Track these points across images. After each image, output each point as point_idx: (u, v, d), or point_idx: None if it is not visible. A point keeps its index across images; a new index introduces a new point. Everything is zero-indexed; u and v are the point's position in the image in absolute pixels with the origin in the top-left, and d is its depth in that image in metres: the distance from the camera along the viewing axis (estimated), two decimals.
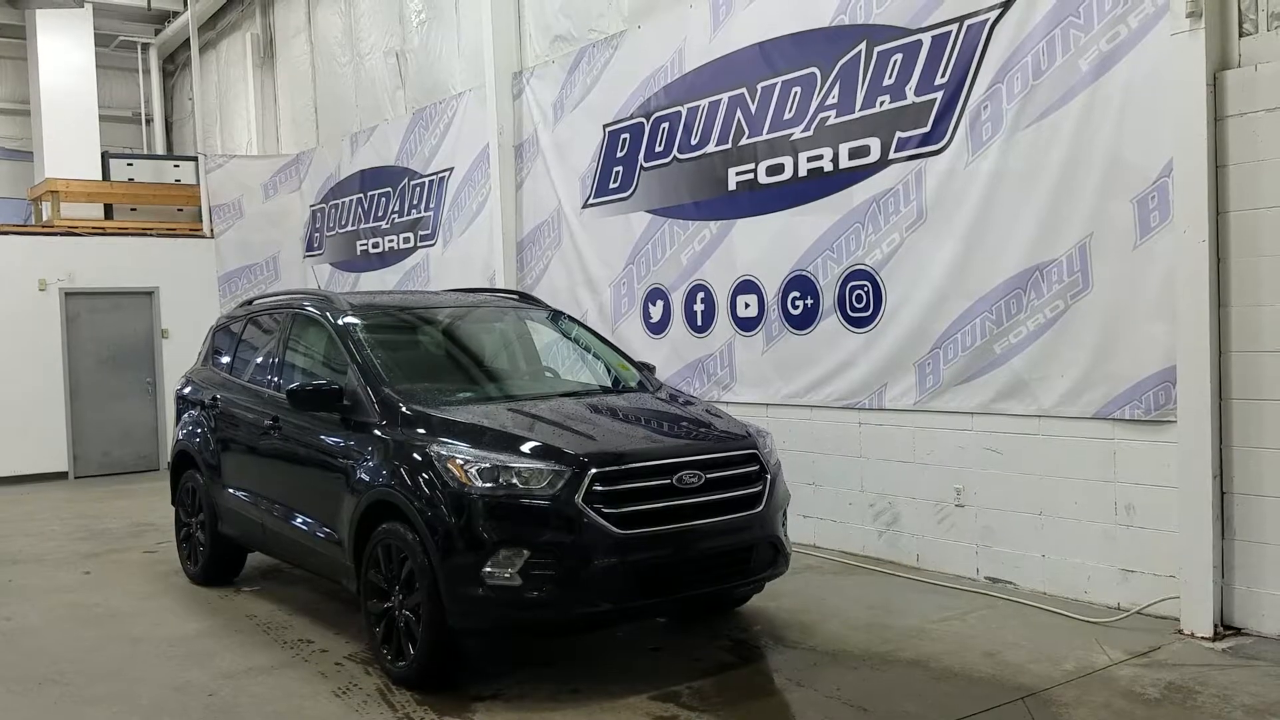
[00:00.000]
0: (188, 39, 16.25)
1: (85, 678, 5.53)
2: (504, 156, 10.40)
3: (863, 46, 7.16)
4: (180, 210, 15.11)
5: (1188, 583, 5.59)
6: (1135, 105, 5.80)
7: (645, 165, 8.94)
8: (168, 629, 6.38)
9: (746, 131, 8.02)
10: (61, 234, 13.49)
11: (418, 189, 12.01)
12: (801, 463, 7.61)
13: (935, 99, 6.75)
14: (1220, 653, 5.30)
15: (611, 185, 9.31)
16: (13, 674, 5.61)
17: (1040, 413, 6.37)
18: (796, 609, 6.29)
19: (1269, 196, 5.32)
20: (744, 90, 8.03)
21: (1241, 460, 5.47)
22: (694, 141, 8.46)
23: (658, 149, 8.81)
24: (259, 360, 7.10)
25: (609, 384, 6.62)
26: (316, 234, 14.12)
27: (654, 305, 9.02)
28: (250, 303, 7.90)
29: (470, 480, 4.94)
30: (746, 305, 8.17)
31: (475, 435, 5.23)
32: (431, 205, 11.75)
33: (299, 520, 6.22)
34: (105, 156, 15.36)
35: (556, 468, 4.95)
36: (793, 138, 7.66)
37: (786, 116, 7.70)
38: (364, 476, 5.50)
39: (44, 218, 14.65)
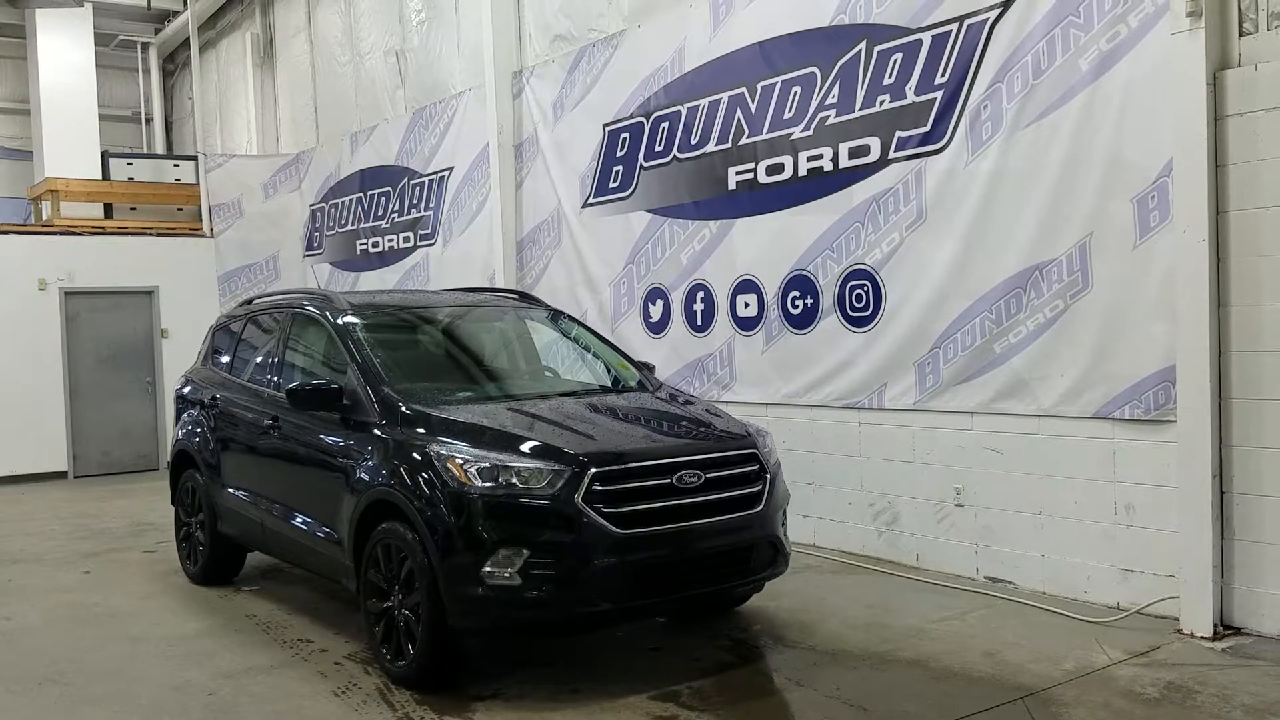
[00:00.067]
0: (187, 38, 16.24)
1: (85, 677, 5.53)
2: (504, 156, 10.40)
3: (862, 46, 7.16)
4: (180, 210, 15.11)
5: (1187, 582, 5.59)
6: (1135, 105, 5.80)
7: (645, 165, 8.94)
8: (167, 628, 6.38)
9: (746, 131, 8.01)
10: (61, 233, 13.49)
11: (417, 188, 12.01)
12: (801, 462, 7.61)
13: (935, 98, 6.75)
14: (1220, 652, 5.30)
15: (611, 185, 9.31)
16: (12, 674, 5.61)
17: (1040, 412, 6.37)
18: (796, 608, 6.29)
19: (1269, 196, 5.32)
20: (744, 90, 8.03)
21: (1241, 460, 5.47)
22: (694, 141, 8.46)
23: (657, 148, 8.81)
24: (259, 360, 7.10)
25: (609, 383, 6.62)
26: (316, 233, 14.12)
27: (654, 305, 9.02)
28: (250, 302, 7.90)
29: (470, 480, 4.94)
30: (746, 305, 8.17)
31: (475, 435, 5.23)
32: (431, 205, 11.75)
33: (299, 520, 6.22)
34: (105, 156, 15.37)
35: (556, 467, 4.95)
36: (792, 137, 7.66)
37: (786, 116, 7.70)
38: (364, 476, 5.50)
39: (44, 217, 14.65)
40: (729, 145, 8.15)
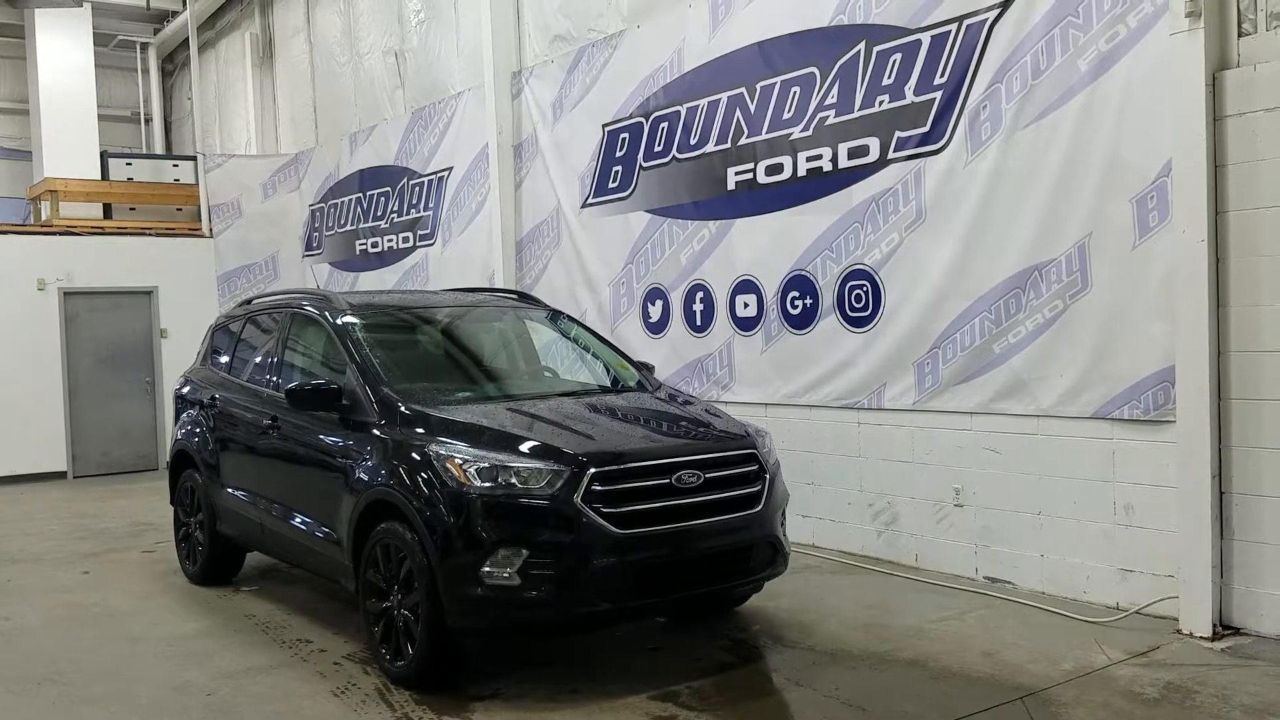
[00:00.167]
0: (187, 38, 16.26)
1: (84, 677, 5.52)
2: (503, 156, 10.40)
3: (862, 46, 7.17)
4: (179, 210, 15.11)
5: (1186, 582, 5.59)
6: (1134, 105, 5.80)
7: (644, 165, 8.94)
8: (166, 629, 6.38)
9: (745, 131, 8.02)
10: (60, 233, 13.49)
11: (417, 188, 12.01)
12: (800, 462, 7.61)
13: (934, 99, 6.75)
14: (1219, 652, 5.31)
15: (610, 185, 9.31)
16: (11, 674, 5.61)
17: (1039, 412, 6.37)
18: (795, 609, 6.29)
19: (1268, 196, 5.32)
20: (743, 90, 8.03)
21: (1240, 460, 5.47)
22: (693, 141, 8.46)
23: (657, 149, 8.81)
24: (258, 360, 7.10)
25: (608, 383, 6.62)
26: (315, 233, 14.12)
27: (653, 305, 9.02)
28: (249, 302, 7.89)
29: (469, 480, 4.94)
30: (745, 305, 8.17)
31: (474, 435, 5.23)
32: (430, 205, 11.75)
33: (298, 520, 6.22)
34: (104, 156, 15.37)
35: (555, 467, 4.95)
36: (792, 137, 7.66)
37: (786, 116, 7.70)
38: (363, 476, 5.49)
39: (43, 217, 14.65)
40: (728, 145, 8.15)
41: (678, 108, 8.59)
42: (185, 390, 7.92)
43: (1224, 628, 5.52)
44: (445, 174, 11.50)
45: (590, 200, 9.55)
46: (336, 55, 13.68)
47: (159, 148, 18.77)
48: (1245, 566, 5.48)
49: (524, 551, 4.85)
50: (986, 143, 6.50)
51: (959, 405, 6.78)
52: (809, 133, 7.54)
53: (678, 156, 8.62)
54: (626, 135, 9.11)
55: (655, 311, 9.00)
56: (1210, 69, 5.43)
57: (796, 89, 7.62)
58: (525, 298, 7.82)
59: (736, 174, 8.11)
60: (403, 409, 5.51)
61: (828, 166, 7.43)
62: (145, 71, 18.93)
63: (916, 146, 6.87)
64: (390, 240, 12.50)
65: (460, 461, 5.01)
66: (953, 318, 6.75)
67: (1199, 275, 5.46)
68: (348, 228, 13.34)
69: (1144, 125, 5.77)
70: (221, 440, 7.16)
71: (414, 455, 5.20)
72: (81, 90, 15.87)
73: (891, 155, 7.03)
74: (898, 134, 6.97)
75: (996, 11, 6.40)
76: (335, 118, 13.80)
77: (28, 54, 16.23)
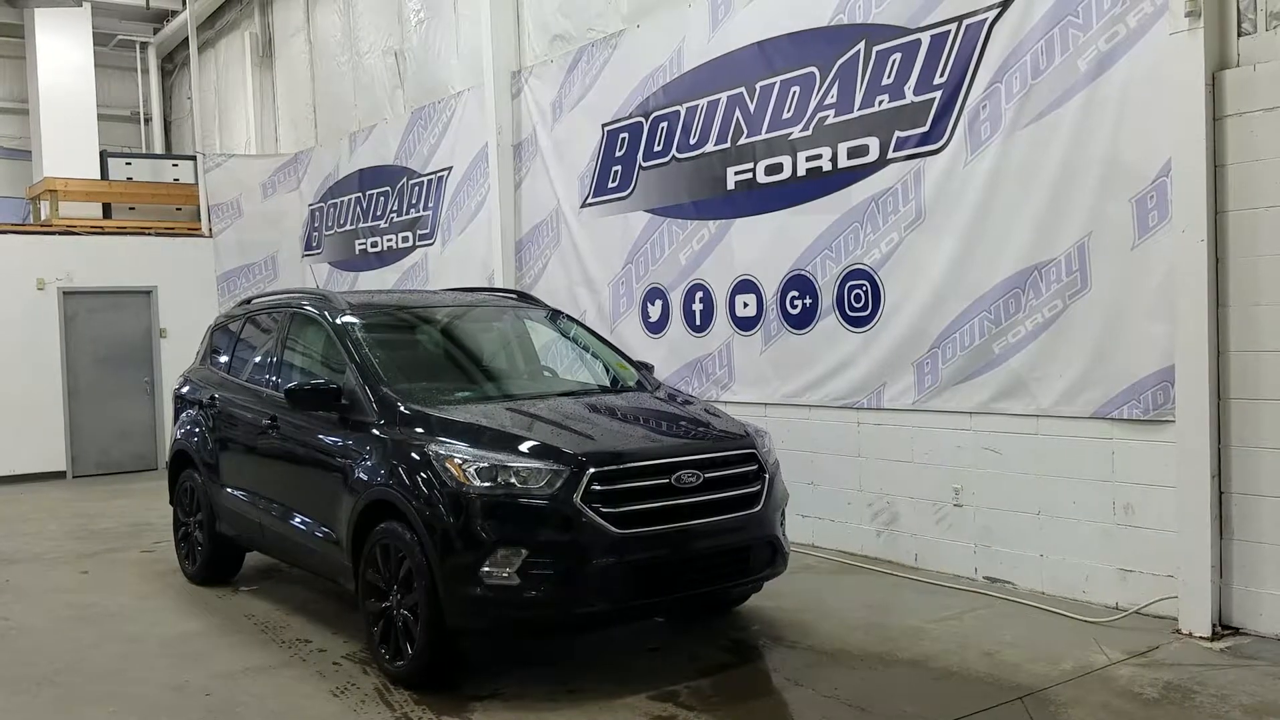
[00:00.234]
0: (186, 38, 16.26)
1: (83, 677, 5.52)
2: (502, 156, 10.40)
3: (861, 46, 7.16)
4: (179, 209, 15.10)
5: (1186, 582, 5.59)
6: (1134, 105, 5.80)
7: (644, 165, 8.94)
8: (166, 628, 6.37)
9: (745, 131, 8.01)
10: (60, 233, 13.49)
11: (416, 188, 12.00)
12: (800, 462, 7.61)
13: (934, 98, 6.75)
14: (1218, 653, 5.30)
15: (610, 185, 9.31)
16: (11, 674, 5.61)
17: (1039, 412, 6.37)
18: (795, 609, 6.28)
19: (1267, 196, 5.32)
20: (743, 90, 8.03)
21: (1240, 460, 5.47)
22: (693, 141, 8.45)
23: (656, 148, 8.81)
24: (257, 359, 7.10)
25: (607, 383, 6.62)
26: (315, 233, 14.12)
27: (652, 305, 9.02)
28: (248, 302, 7.89)
29: (468, 479, 4.94)
30: (745, 305, 8.17)
31: (473, 434, 5.23)
32: (430, 204, 11.75)
33: (297, 520, 6.21)
34: (104, 155, 15.37)
35: (555, 467, 4.95)
36: (791, 137, 7.66)
37: (785, 116, 7.70)
38: (362, 476, 5.49)
39: (42, 217, 14.64)
40: (728, 145, 8.15)
41: (677, 107, 8.59)
42: (184, 390, 7.91)
43: (1223, 628, 5.52)
44: (445, 174, 11.50)
45: (590, 200, 9.55)
46: (336, 55, 13.67)
47: (158, 147, 18.78)
48: (1245, 566, 5.48)
49: (523, 551, 4.85)
50: (986, 142, 6.50)
51: (959, 405, 6.78)
52: (809, 132, 7.53)
53: (677, 156, 8.62)
54: (626, 135, 9.11)
55: (655, 311, 9.00)
56: (1210, 69, 5.42)
57: (796, 89, 7.62)
58: (525, 297, 7.81)
59: (736, 174, 8.11)
60: (402, 409, 5.51)
61: (827, 166, 7.43)
62: (145, 71, 18.94)
63: (916, 146, 6.87)
64: (390, 240, 12.50)
65: (460, 461, 5.01)
66: (952, 317, 6.74)
67: (1199, 275, 5.45)
68: (347, 227, 13.34)
69: (1143, 125, 5.76)
70: (221, 440, 7.16)
71: (413, 455, 5.19)
72: (81, 90, 15.88)
73: (891, 155, 7.02)
74: (897, 134, 6.97)
75: (996, 11, 6.39)
76: (335, 117, 13.80)
77: (27, 54, 16.23)
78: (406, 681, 5.17)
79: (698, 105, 8.39)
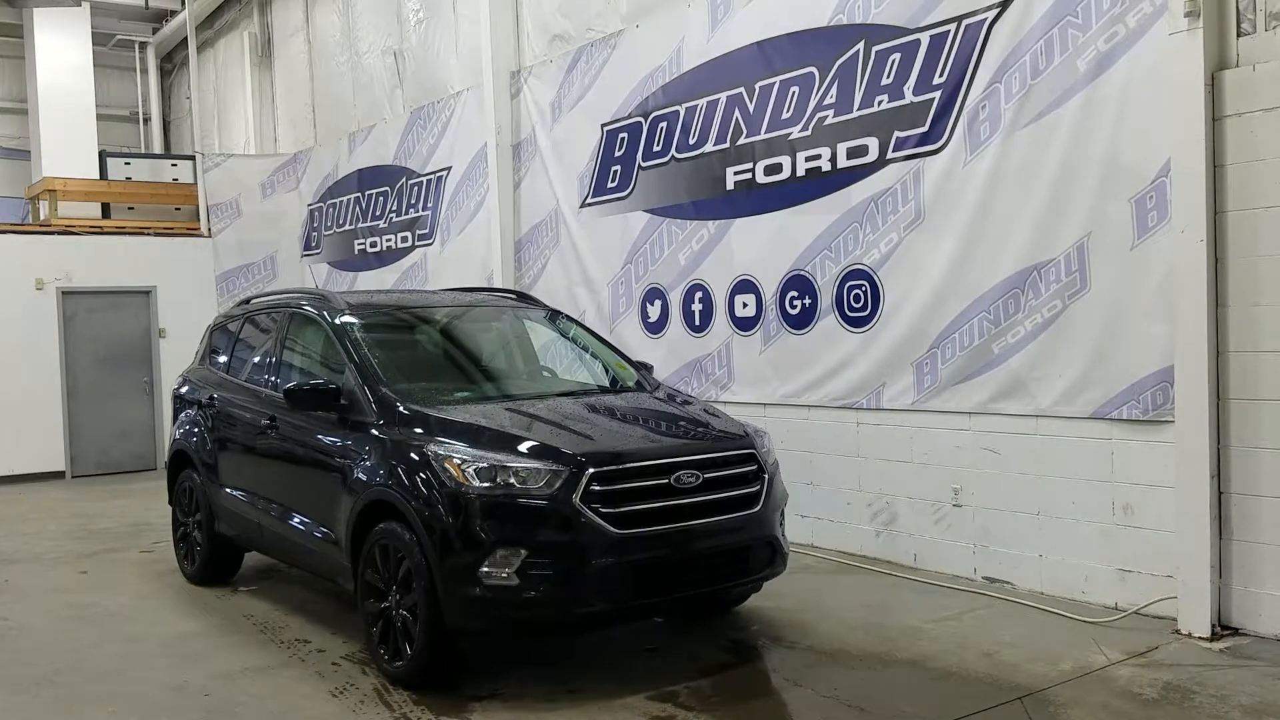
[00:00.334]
0: (185, 38, 16.25)
1: (82, 677, 5.52)
2: (502, 156, 10.39)
3: (861, 46, 7.16)
4: (178, 209, 15.10)
5: (1185, 583, 5.59)
6: (1133, 105, 5.80)
7: (643, 165, 8.94)
8: (165, 629, 6.37)
9: (744, 131, 8.01)
10: (59, 233, 13.48)
11: (415, 188, 12.00)
12: (799, 462, 7.61)
13: (933, 99, 6.75)
14: (1218, 653, 5.30)
15: (609, 185, 9.30)
16: (10, 674, 5.60)
17: (1038, 412, 6.37)
18: (794, 609, 6.28)
19: (1267, 196, 5.32)
20: (742, 90, 8.02)
21: (1239, 460, 5.47)
22: (692, 141, 8.45)
23: (656, 148, 8.81)
24: (256, 359, 7.09)
25: (607, 383, 6.61)
26: (314, 233, 14.11)
27: (652, 305, 9.02)
28: (248, 302, 7.89)
29: (468, 480, 4.94)
30: (744, 305, 8.17)
31: (473, 435, 5.22)
32: (429, 204, 11.75)
33: (296, 520, 6.21)
34: (103, 155, 15.36)
35: (554, 467, 4.95)
36: (791, 137, 7.66)
37: (784, 116, 7.70)
38: (361, 476, 5.49)
39: (41, 217, 14.64)
40: (727, 145, 8.15)
41: (677, 107, 8.59)
42: (184, 390, 7.91)
43: (1223, 628, 5.52)
44: (444, 174, 11.49)
45: (589, 200, 9.55)
46: (335, 55, 13.67)
47: (157, 147, 18.76)
48: (1244, 567, 5.48)
49: (522, 551, 4.84)
50: (985, 143, 6.50)
51: (958, 405, 6.78)
52: (808, 132, 7.53)
53: (676, 156, 8.61)
54: (625, 135, 9.11)
55: (654, 311, 9.00)
56: (1209, 69, 5.42)
57: (795, 89, 7.62)
58: (524, 297, 7.81)
59: (735, 174, 8.11)
60: (401, 409, 5.51)
61: (826, 166, 7.43)
62: (144, 71, 18.93)
63: (915, 146, 6.87)
64: (389, 240, 12.50)
65: (459, 461, 5.01)
66: (952, 318, 6.74)
67: (1198, 275, 5.45)
68: (346, 227, 13.34)
69: (1143, 125, 5.76)
70: (220, 440, 7.16)
71: (412, 455, 5.19)
72: (80, 90, 15.88)
73: (890, 155, 7.02)
74: (896, 134, 6.97)
75: (995, 11, 6.39)
76: (334, 117, 13.79)
77: (26, 53, 16.23)
78: (405, 682, 5.17)
79: (697, 105, 8.39)
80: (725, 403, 7.93)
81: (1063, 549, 6.30)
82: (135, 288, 13.65)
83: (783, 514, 5.69)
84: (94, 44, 16.41)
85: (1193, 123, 5.44)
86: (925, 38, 6.77)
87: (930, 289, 6.84)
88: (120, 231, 14.02)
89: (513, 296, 7.80)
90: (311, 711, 4.95)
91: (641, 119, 8.94)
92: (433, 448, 5.14)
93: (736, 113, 8.07)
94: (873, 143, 7.12)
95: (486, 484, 4.92)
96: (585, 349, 6.97)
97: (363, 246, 12.99)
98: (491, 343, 7.02)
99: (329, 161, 13.72)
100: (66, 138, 15.50)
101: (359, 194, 13.05)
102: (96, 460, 13.34)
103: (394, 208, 12.38)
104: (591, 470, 4.93)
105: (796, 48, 7.61)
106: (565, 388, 6.55)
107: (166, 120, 19.32)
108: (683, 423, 5.91)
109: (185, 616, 6.65)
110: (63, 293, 13.09)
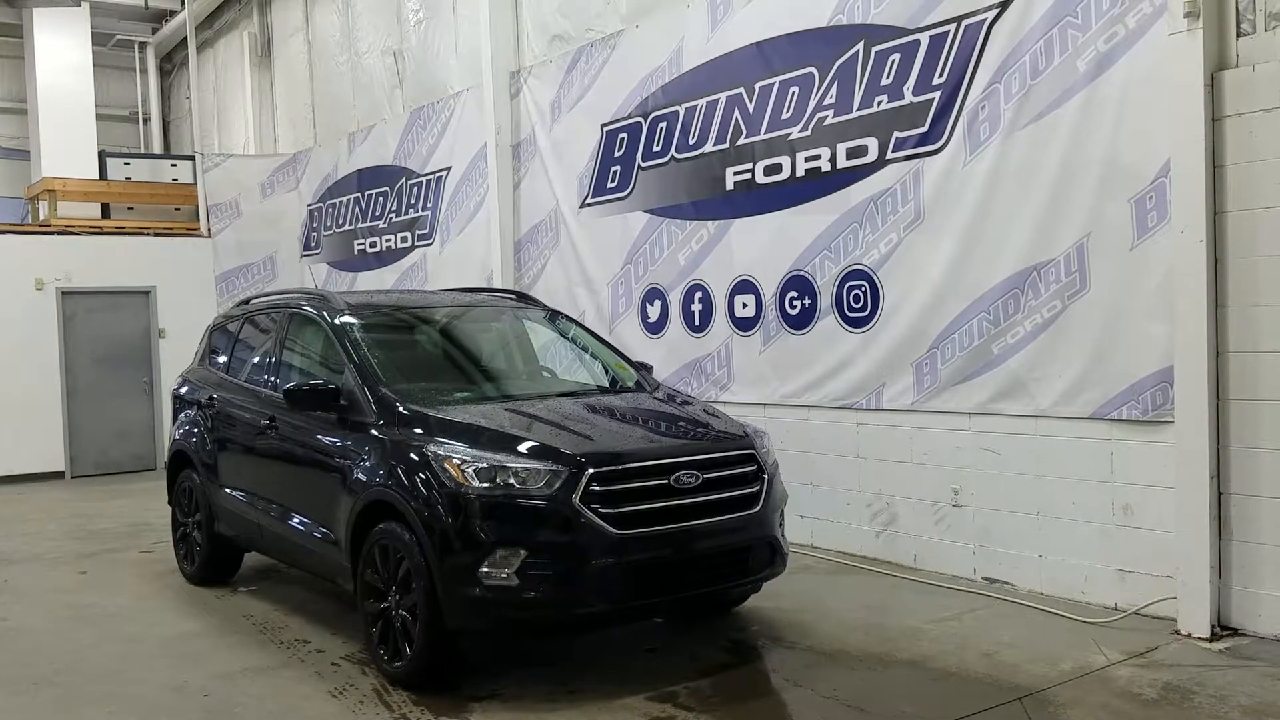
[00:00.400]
0: (185, 38, 16.24)
1: (82, 678, 5.52)
2: (501, 156, 10.39)
3: (860, 46, 7.16)
4: (177, 209, 15.10)
5: (1185, 583, 5.59)
6: (1133, 105, 5.80)
7: (643, 165, 8.94)
8: (164, 629, 6.37)
9: (744, 131, 8.01)
10: (58, 233, 13.48)
11: (415, 188, 12.00)
12: (799, 463, 7.61)
13: (933, 99, 6.75)
14: (1217, 653, 5.30)
15: (609, 185, 9.30)
16: (9, 674, 5.60)
17: (1038, 413, 6.37)
18: (794, 609, 6.28)
19: (1266, 197, 5.32)
20: (742, 90, 8.02)
21: (1239, 461, 5.47)
22: (692, 141, 8.45)
23: (655, 149, 8.81)
24: (256, 360, 7.09)
25: (606, 384, 6.61)
26: (314, 233, 14.11)
27: (651, 305, 9.02)
28: (247, 302, 7.88)
29: (467, 480, 4.94)
30: (744, 305, 8.17)
31: (472, 435, 5.22)
32: (429, 205, 11.75)
33: (296, 520, 6.21)
34: (102, 155, 15.36)
35: (554, 468, 4.94)
36: (790, 137, 7.66)
37: (784, 116, 7.70)
38: (361, 476, 5.49)
39: (41, 217, 14.64)
40: (727, 145, 8.15)
41: (676, 108, 8.59)
42: (183, 390, 7.91)
43: (1222, 628, 5.52)
44: (444, 174, 11.49)
45: (589, 200, 9.55)
46: (335, 55, 13.67)
47: (157, 147, 18.76)
48: (1243, 567, 5.48)
49: (522, 552, 4.84)
50: (985, 143, 6.50)
51: (957, 406, 6.78)
52: (808, 133, 7.53)
53: (676, 156, 8.61)
54: (625, 135, 9.11)
55: (654, 312, 9.00)
56: (1209, 69, 5.42)
57: (795, 89, 7.62)
58: (524, 298, 7.81)
59: (735, 174, 8.11)
60: (401, 409, 5.51)
61: (826, 167, 7.43)
62: (143, 71, 18.93)
63: (915, 147, 6.87)
64: (388, 240, 12.50)
65: (458, 462, 5.01)
66: (951, 318, 6.74)
67: (1198, 275, 5.45)
68: (346, 228, 13.34)
69: (1142, 125, 5.76)
70: (219, 440, 7.16)
71: (412, 455, 5.19)
72: (80, 90, 15.88)
73: (890, 155, 7.02)
74: (896, 134, 6.97)
75: (995, 12, 6.39)
76: (333, 117, 13.79)
77: (26, 53, 16.23)
78: (405, 682, 5.17)
79: (697, 105, 8.39)
80: (725, 403, 7.93)
81: (1062, 549, 6.30)
82: (135, 288, 13.65)
83: (782, 514, 5.69)
84: (94, 44, 16.41)
85: (1192, 123, 5.45)
86: (925, 38, 6.77)
87: (930, 289, 6.84)
88: (120, 232, 14.02)
89: (512, 297, 7.80)
90: (311, 712, 4.95)
91: (641, 119, 8.94)
92: (432, 448, 5.13)
93: (736, 113, 8.07)
94: (872, 143, 7.12)
95: (486, 484, 4.92)
96: (585, 349, 6.97)
97: (362, 247, 12.99)
98: (491, 343, 7.02)
99: (328, 162, 13.72)
100: (66, 138, 15.50)
101: (358, 194, 13.05)
102: (96, 460, 13.33)
103: (394, 208, 12.38)
104: (591, 470, 4.93)
105: (796, 48, 7.61)
106: (565, 388, 6.55)
107: (166, 120, 19.32)
108: (682, 423, 5.91)
109: (185, 617, 6.65)
110: (62, 293, 13.09)
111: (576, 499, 4.88)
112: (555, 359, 7.26)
